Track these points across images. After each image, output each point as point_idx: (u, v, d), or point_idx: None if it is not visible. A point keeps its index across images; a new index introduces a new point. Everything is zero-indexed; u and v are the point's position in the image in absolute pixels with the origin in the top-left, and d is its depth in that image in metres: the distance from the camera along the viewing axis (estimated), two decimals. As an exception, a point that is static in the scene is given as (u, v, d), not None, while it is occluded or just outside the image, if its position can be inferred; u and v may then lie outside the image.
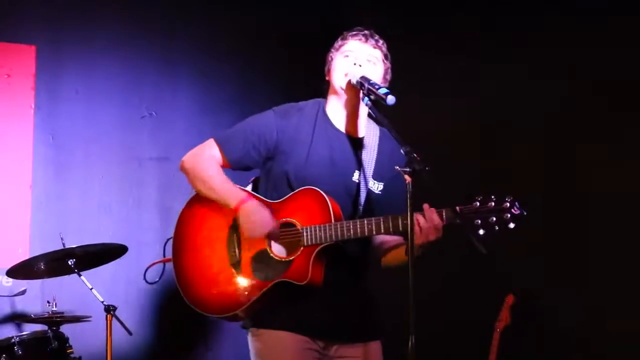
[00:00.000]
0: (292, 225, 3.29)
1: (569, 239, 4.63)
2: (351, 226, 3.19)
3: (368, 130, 3.46)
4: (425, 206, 3.13)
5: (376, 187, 3.41)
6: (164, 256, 3.75)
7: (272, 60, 6.12)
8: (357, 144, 3.43)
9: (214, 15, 6.07)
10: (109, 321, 4.77)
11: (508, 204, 3.03)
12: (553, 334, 4.71)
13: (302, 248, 3.24)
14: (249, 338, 3.40)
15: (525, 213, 3.03)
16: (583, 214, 4.58)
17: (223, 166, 3.43)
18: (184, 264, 3.44)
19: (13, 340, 4.64)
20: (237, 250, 3.35)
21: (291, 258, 3.25)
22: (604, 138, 4.59)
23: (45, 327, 4.85)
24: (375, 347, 3.44)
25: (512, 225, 3.03)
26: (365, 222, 3.19)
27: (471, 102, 5.23)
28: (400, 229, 3.16)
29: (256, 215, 3.27)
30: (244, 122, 3.47)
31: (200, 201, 3.46)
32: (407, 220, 3.01)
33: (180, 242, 3.48)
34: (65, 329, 4.88)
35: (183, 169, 3.46)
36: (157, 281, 4.00)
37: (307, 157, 3.35)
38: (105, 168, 5.67)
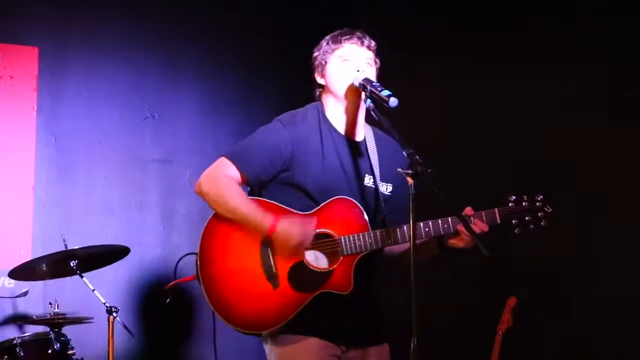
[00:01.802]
0: (328, 235, 3.26)
1: (571, 240, 4.62)
2: (391, 233, 3.23)
3: (365, 132, 3.47)
4: (468, 210, 3.23)
5: (385, 188, 3.42)
6: (175, 273, 3.65)
7: (274, 63, 6.12)
8: (359, 147, 3.43)
9: (216, 18, 6.07)
10: (110, 323, 4.77)
11: (541, 203, 3.20)
12: (555, 336, 4.71)
13: (341, 258, 3.23)
14: (268, 343, 3.33)
15: (553, 211, 3.18)
16: (586, 214, 4.58)
17: (240, 184, 3.36)
18: (216, 281, 3.28)
19: (15, 341, 4.64)
20: (272, 264, 3.25)
21: (332, 268, 3.23)
22: (605, 138, 4.59)
23: (47, 329, 4.85)
24: (385, 349, 3.46)
25: (543, 223, 3.22)
26: (405, 228, 3.22)
27: (470, 102, 5.24)
28: (442, 231, 3.24)
29: (293, 232, 3.18)
30: (254, 137, 3.39)
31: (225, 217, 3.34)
32: (449, 223, 3.20)
33: (209, 259, 3.30)
34: (67, 330, 4.88)
35: (201, 193, 3.33)
36: (168, 302, 3.93)
37: (323, 165, 3.32)
38: (108, 170, 5.68)
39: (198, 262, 3.29)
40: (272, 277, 3.24)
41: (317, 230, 3.24)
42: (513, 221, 3.23)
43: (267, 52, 6.14)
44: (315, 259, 3.26)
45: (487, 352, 4.60)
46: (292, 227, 3.19)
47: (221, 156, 3.37)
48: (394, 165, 3.30)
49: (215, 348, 3.72)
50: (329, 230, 3.26)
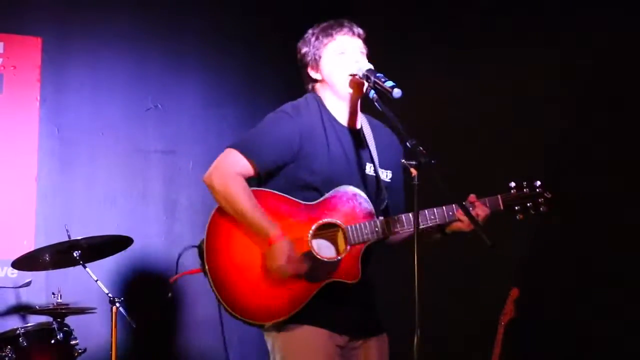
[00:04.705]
0: (334, 225, 3.26)
1: (573, 232, 4.62)
2: (397, 221, 3.25)
3: (361, 121, 3.48)
4: (472, 197, 3.28)
5: (385, 175, 3.43)
6: (177, 266, 3.61)
7: (276, 53, 6.10)
8: (358, 135, 3.43)
9: (218, 9, 6.07)
10: (113, 313, 4.78)
11: (540, 189, 3.29)
12: (557, 327, 4.71)
13: (348, 247, 3.23)
14: (272, 333, 3.31)
15: (552, 196, 3.26)
16: (587, 207, 4.57)
17: (252, 175, 3.33)
18: (224, 273, 3.26)
19: (18, 331, 4.65)
20: None
21: (339, 258, 3.23)
22: (606, 136, 4.58)
23: (50, 319, 4.86)
24: (385, 338, 3.47)
25: (544, 209, 3.30)
26: (411, 215, 3.23)
27: (468, 94, 5.24)
28: (447, 219, 3.29)
29: (283, 258, 3.16)
30: (263, 128, 3.36)
31: None
32: (453, 210, 3.25)
33: (215, 249, 3.28)
34: (70, 320, 4.89)
35: (211, 188, 3.29)
36: (170, 295, 3.88)
37: (329, 156, 3.32)
38: (111, 160, 5.68)
39: (205, 254, 3.26)
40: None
41: (324, 220, 3.25)
42: (515, 207, 3.31)
43: (270, 42, 6.12)
44: (321, 249, 3.25)
45: (490, 343, 4.60)
46: (284, 252, 3.17)
47: (230, 147, 3.33)
48: (391, 152, 3.38)
49: (224, 336, 3.72)
50: (334, 220, 3.26)
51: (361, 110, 3.49)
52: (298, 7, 6.15)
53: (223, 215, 3.29)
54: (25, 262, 4.87)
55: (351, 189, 3.28)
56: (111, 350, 4.76)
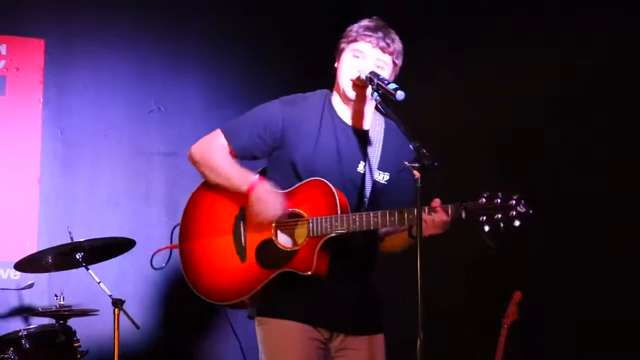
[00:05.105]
0: (299, 215, 3.29)
1: (575, 234, 4.63)
2: (357, 218, 3.20)
3: (374, 122, 3.48)
4: (435, 201, 3.15)
5: (382, 177, 3.42)
6: (171, 242, 3.76)
7: (279, 55, 6.12)
8: (362, 135, 3.44)
9: (221, 10, 6.07)
10: (116, 315, 4.79)
11: (514, 202, 3.01)
12: (559, 330, 4.72)
13: (307, 238, 3.25)
14: (256, 326, 3.41)
15: (531, 212, 3.01)
16: (589, 209, 4.58)
17: (231, 156, 3.44)
18: (190, 251, 3.46)
19: (20, 333, 4.67)
20: (243, 239, 3.35)
21: (296, 248, 3.26)
22: (606, 136, 4.59)
23: (52, 321, 4.88)
24: (379, 340, 3.46)
25: (517, 223, 3.00)
26: (372, 214, 3.20)
27: (467, 94, 5.25)
28: (406, 222, 3.19)
29: (268, 199, 3.27)
30: (251, 111, 3.49)
31: (208, 189, 3.48)
32: (413, 213, 3.07)
33: (187, 229, 3.50)
34: (72, 322, 4.90)
35: (191, 159, 3.48)
36: (163, 267, 3.98)
37: (315, 148, 3.36)
38: (114, 162, 5.70)
39: (179, 233, 3.50)
40: (240, 250, 3.34)
41: (289, 210, 3.29)
42: (481, 218, 3.03)
43: (273, 43, 6.13)
44: (284, 238, 3.31)
45: (492, 346, 4.61)
46: (269, 193, 3.28)
47: (219, 128, 3.48)
48: (397, 155, 3.35)
49: (219, 341, 3.76)
50: (300, 210, 3.29)
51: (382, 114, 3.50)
52: (298, 7, 6.16)
53: (199, 194, 3.50)
54: (27, 264, 4.89)
55: (322, 182, 3.27)
56: (114, 352, 4.76)
